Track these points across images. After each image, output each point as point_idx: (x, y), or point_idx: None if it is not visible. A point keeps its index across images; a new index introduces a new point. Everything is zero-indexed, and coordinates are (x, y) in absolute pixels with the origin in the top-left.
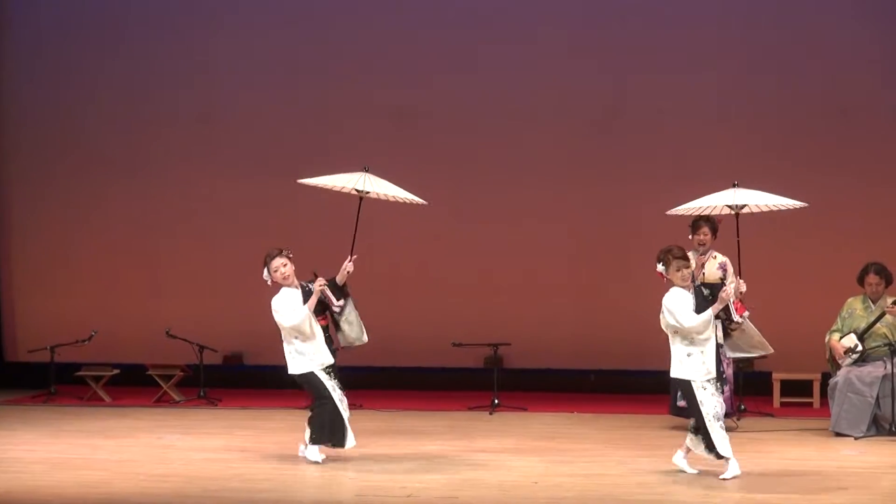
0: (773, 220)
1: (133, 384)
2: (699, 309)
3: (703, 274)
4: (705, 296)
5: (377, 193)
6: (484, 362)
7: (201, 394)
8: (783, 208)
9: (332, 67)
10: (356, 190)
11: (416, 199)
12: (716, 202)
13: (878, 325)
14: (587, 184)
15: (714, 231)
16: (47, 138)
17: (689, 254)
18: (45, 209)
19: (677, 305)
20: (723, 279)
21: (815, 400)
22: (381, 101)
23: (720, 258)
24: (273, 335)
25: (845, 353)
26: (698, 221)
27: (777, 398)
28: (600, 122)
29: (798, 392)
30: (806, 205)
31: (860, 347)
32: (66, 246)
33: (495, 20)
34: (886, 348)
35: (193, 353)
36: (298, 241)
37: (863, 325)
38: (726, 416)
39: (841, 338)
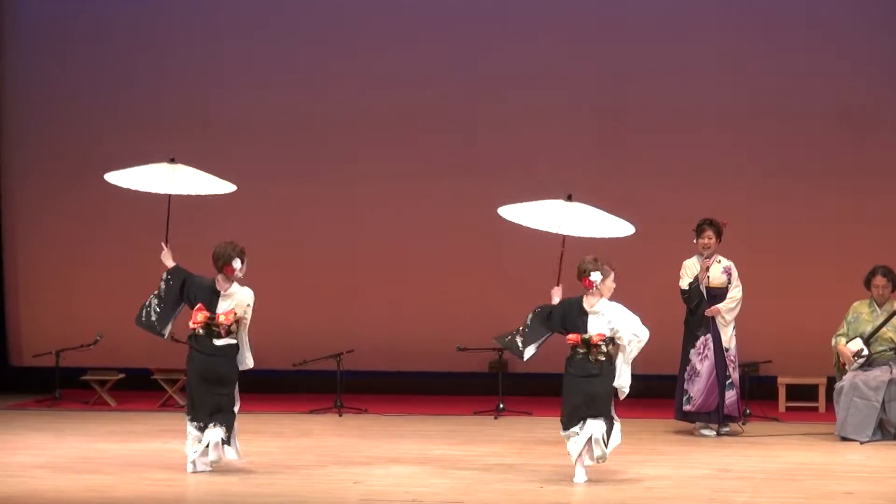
0: (778, 224)
1: (138, 388)
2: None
3: (709, 278)
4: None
5: (184, 183)
6: (489, 367)
7: None
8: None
9: (333, 68)
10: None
11: (226, 188)
12: (546, 222)
13: (884, 328)
14: (591, 185)
15: (719, 235)
16: (52, 142)
17: (694, 258)
18: (50, 213)
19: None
20: (728, 283)
21: (821, 404)
22: (382, 102)
23: (725, 262)
24: (276, 338)
25: (854, 357)
26: (702, 225)
27: (782, 402)
28: (604, 123)
29: (804, 396)
30: (632, 231)
31: (866, 352)
32: (71, 250)
33: (497, 21)
34: (892, 353)
35: None
36: (298, 242)
37: (869, 329)
38: (732, 420)
39: (847, 342)
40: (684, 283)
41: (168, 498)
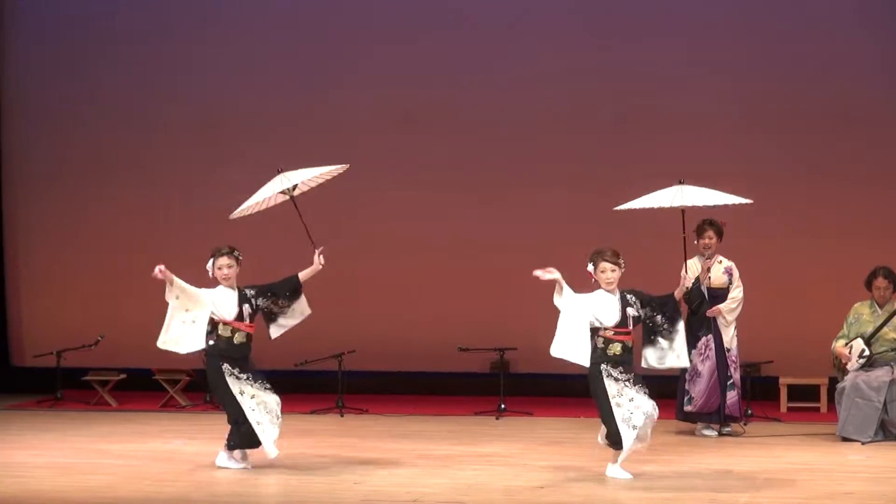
0: (780, 224)
1: (139, 389)
2: (622, 314)
3: (710, 278)
4: (630, 302)
5: (303, 183)
6: (490, 367)
7: (207, 399)
8: (729, 204)
9: (333, 70)
10: (283, 192)
11: (338, 169)
12: (661, 201)
13: (885, 329)
14: (595, 187)
15: (719, 234)
16: (53, 142)
17: (695, 258)
18: (52, 213)
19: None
20: (729, 283)
21: (823, 405)
22: (384, 103)
23: (726, 262)
24: (277, 338)
25: (856, 358)
26: (703, 225)
27: (784, 403)
28: (607, 124)
29: (805, 397)
30: (751, 201)
31: (867, 352)
32: (72, 250)
33: (498, 23)
34: (894, 353)
35: (199, 359)
36: (298, 242)
37: (870, 330)
38: (733, 420)
39: (847, 343)
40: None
41: (169, 498)
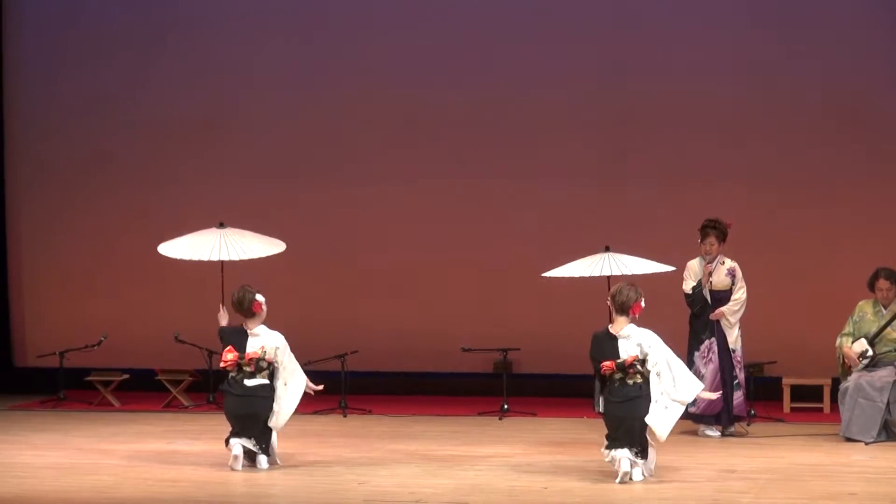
0: (782, 224)
1: (142, 389)
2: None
3: (711, 282)
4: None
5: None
6: (493, 367)
7: (210, 399)
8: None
9: (333, 70)
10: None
11: (275, 250)
12: (590, 270)
13: (888, 329)
14: (595, 185)
15: (722, 238)
16: (56, 143)
17: (697, 259)
18: (55, 214)
19: None
20: (731, 285)
21: (826, 405)
22: (386, 104)
23: (729, 263)
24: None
25: (858, 358)
26: (705, 230)
27: (787, 403)
28: (609, 125)
29: (808, 397)
30: (674, 268)
31: (871, 352)
32: (75, 251)
33: (502, 24)
34: None
35: (202, 359)
36: (298, 243)
37: (873, 330)
38: (737, 420)
39: (852, 342)
40: (688, 287)
41: (172, 498)
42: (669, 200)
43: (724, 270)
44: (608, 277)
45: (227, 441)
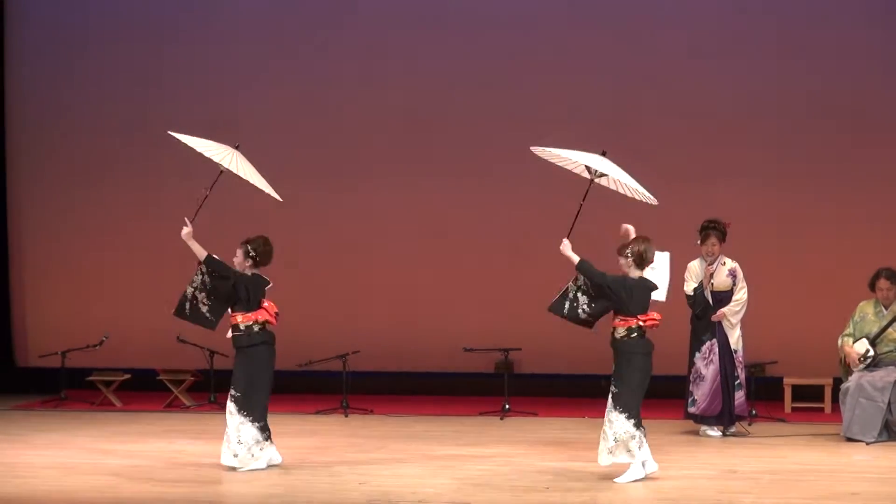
0: (783, 223)
1: (144, 389)
2: None
3: (712, 283)
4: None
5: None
6: (495, 367)
7: (212, 399)
8: (636, 197)
9: (334, 69)
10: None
11: (272, 193)
12: (580, 159)
13: (889, 329)
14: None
15: (722, 238)
16: (58, 143)
17: (698, 260)
18: (56, 214)
19: None
20: (732, 286)
21: (827, 405)
22: (388, 105)
23: (730, 264)
24: (282, 338)
25: (859, 359)
26: (706, 231)
27: (788, 403)
28: (609, 125)
29: (809, 397)
30: (656, 203)
31: (872, 353)
32: (77, 251)
33: (503, 25)
34: None
35: (204, 359)
36: (299, 243)
37: (875, 331)
38: (739, 420)
39: (854, 342)
40: (689, 288)
41: (173, 499)
42: (669, 200)
43: (725, 271)
44: (590, 181)
45: (262, 429)
